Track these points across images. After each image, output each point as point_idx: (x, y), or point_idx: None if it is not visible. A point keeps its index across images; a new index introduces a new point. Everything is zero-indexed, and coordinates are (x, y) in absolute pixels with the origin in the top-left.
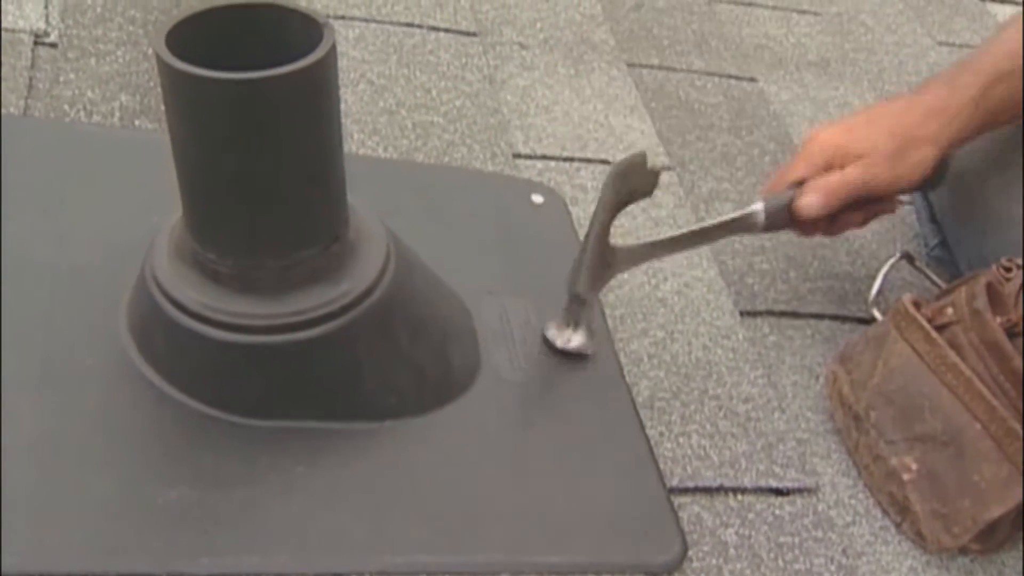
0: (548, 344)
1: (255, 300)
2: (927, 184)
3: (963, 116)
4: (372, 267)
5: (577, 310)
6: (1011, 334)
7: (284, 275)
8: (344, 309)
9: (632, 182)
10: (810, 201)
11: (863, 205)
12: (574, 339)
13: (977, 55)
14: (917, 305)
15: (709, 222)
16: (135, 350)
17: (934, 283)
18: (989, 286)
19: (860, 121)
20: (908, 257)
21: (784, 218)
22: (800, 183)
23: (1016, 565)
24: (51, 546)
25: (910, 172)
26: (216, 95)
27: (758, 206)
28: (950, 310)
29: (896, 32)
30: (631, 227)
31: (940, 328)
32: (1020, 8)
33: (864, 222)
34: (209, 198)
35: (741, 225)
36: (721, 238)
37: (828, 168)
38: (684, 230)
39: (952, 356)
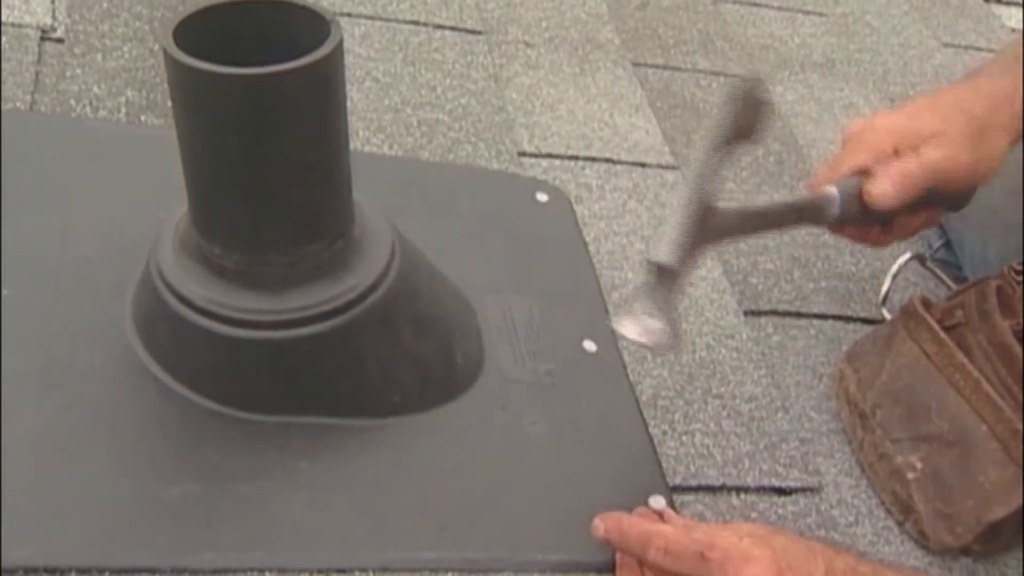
0: (618, 336)
1: (260, 295)
2: (960, 203)
3: (1019, 103)
4: (377, 264)
5: (662, 291)
6: (1020, 338)
7: (289, 271)
8: (349, 305)
9: (749, 112)
10: (885, 189)
11: (930, 203)
12: (656, 330)
13: None
14: (927, 305)
15: (786, 200)
16: (140, 345)
17: (944, 283)
18: (999, 289)
19: (923, 106)
20: (919, 258)
21: (855, 209)
22: (862, 172)
23: (1018, 567)
24: (55, 540)
25: (988, 159)
26: (223, 90)
27: (832, 190)
28: (960, 311)
29: (901, 33)
30: (635, 225)
31: (949, 329)
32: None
33: (920, 228)
34: (215, 193)
35: (817, 212)
36: (796, 224)
37: (896, 153)
38: (763, 205)
39: (960, 357)
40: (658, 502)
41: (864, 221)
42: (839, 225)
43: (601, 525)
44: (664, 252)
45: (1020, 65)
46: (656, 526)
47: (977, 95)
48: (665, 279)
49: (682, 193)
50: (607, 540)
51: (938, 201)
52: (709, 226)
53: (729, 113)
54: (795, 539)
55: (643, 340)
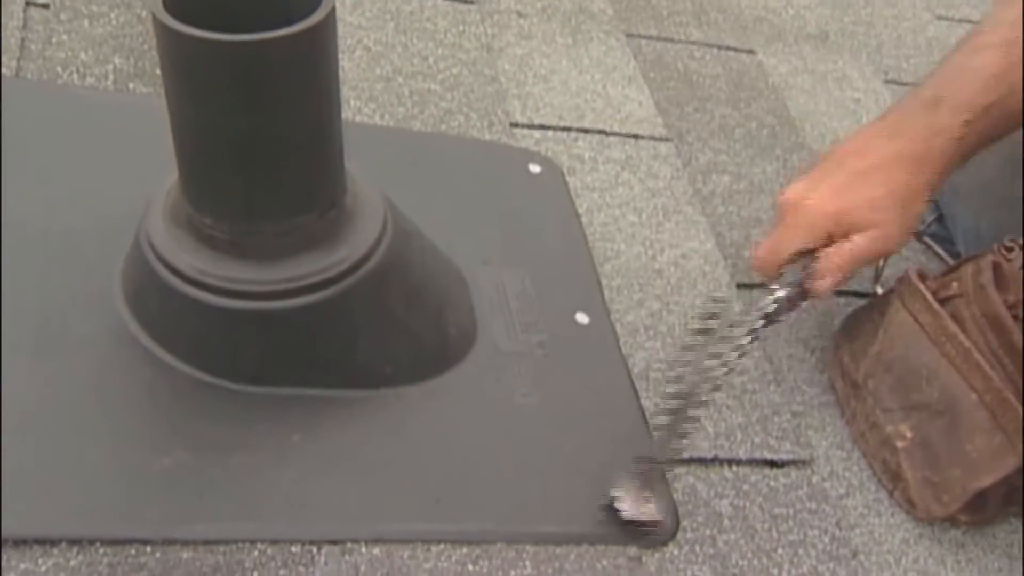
0: (615, 512)
1: (251, 266)
2: None
3: (948, 160)
4: (369, 234)
5: (660, 478)
6: (1014, 316)
7: (281, 241)
8: (341, 276)
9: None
10: (828, 284)
11: None
12: (650, 505)
13: (949, 84)
14: (922, 277)
15: (744, 338)
16: (130, 316)
17: (940, 257)
18: (996, 265)
19: (843, 179)
20: (915, 233)
21: (796, 297)
22: (802, 254)
23: (1007, 538)
24: (46, 511)
25: (911, 230)
26: (213, 57)
27: (779, 294)
28: (955, 284)
29: (896, 6)
30: (627, 197)
31: (943, 301)
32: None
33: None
34: (206, 162)
35: (770, 318)
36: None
37: (831, 238)
38: (728, 360)
39: (952, 327)
40: None
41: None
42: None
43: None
44: (710, 386)
45: (938, 111)
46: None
47: (897, 164)
48: (691, 406)
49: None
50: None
51: None
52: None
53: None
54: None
55: (637, 516)
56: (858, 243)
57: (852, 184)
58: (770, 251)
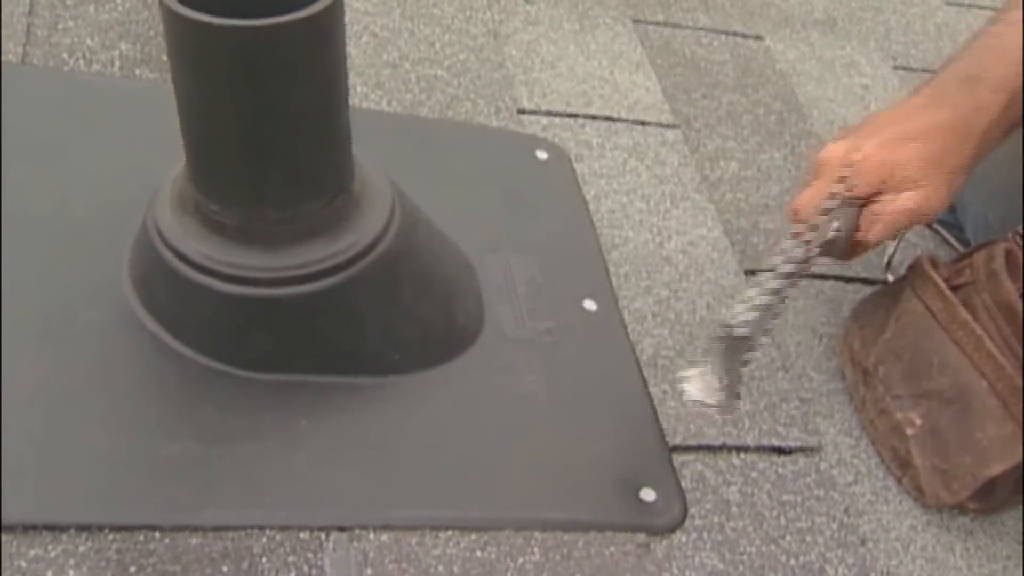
0: (687, 394)
1: (259, 252)
2: None
3: (988, 137)
4: (377, 221)
5: (734, 355)
6: None
7: (288, 227)
8: (349, 262)
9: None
10: (879, 233)
11: None
12: (720, 392)
13: (985, 62)
14: (934, 264)
15: (805, 251)
16: (137, 302)
17: (951, 246)
18: (1009, 252)
19: (891, 139)
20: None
21: (840, 245)
22: (845, 204)
23: (1015, 525)
24: (54, 498)
25: (951, 198)
26: (221, 43)
27: (835, 225)
28: (967, 271)
29: None
30: (635, 184)
31: (955, 288)
32: None
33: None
34: (213, 148)
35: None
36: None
37: (882, 190)
38: (786, 266)
39: (964, 314)
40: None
41: (844, 252)
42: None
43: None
44: (741, 319)
45: (977, 88)
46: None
47: (943, 133)
48: (735, 344)
49: (769, 277)
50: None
51: None
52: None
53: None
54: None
55: (704, 399)
56: (910, 198)
57: (901, 143)
58: (812, 197)
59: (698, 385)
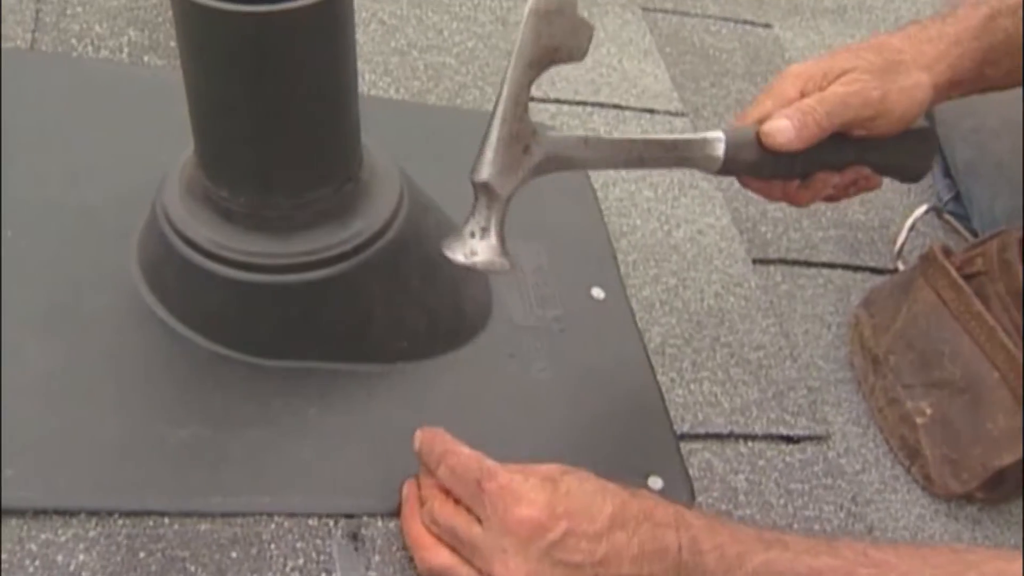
0: (448, 258)
1: (267, 239)
2: (919, 172)
3: (961, 47)
4: (385, 208)
5: (484, 210)
6: None
7: (297, 214)
8: (357, 249)
9: (557, 30)
10: (781, 125)
11: (854, 159)
12: (480, 250)
13: None
14: (947, 253)
15: (656, 136)
16: (146, 288)
17: (961, 235)
18: (1022, 241)
19: (840, 50)
20: (935, 210)
21: (750, 155)
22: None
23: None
24: (65, 483)
25: (902, 98)
26: (230, 29)
27: (718, 133)
28: (980, 260)
29: None
30: (644, 172)
31: (968, 278)
32: None
33: (843, 189)
34: (222, 135)
35: (696, 153)
36: (671, 165)
37: (802, 96)
38: (625, 136)
39: (977, 305)
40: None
41: (772, 170)
42: (744, 175)
43: (419, 436)
44: (482, 171)
45: (957, 9)
46: (460, 447)
47: (901, 35)
48: (488, 199)
49: (494, 112)
50: (417, 451)
51: (865, 157)
52: (529, 143)
53: (540, 32)
54: (588, 480)
55: (469, 262)
56: (825, 90)
57: (839, 52)
58: (741, 115)
59: (461, 251)
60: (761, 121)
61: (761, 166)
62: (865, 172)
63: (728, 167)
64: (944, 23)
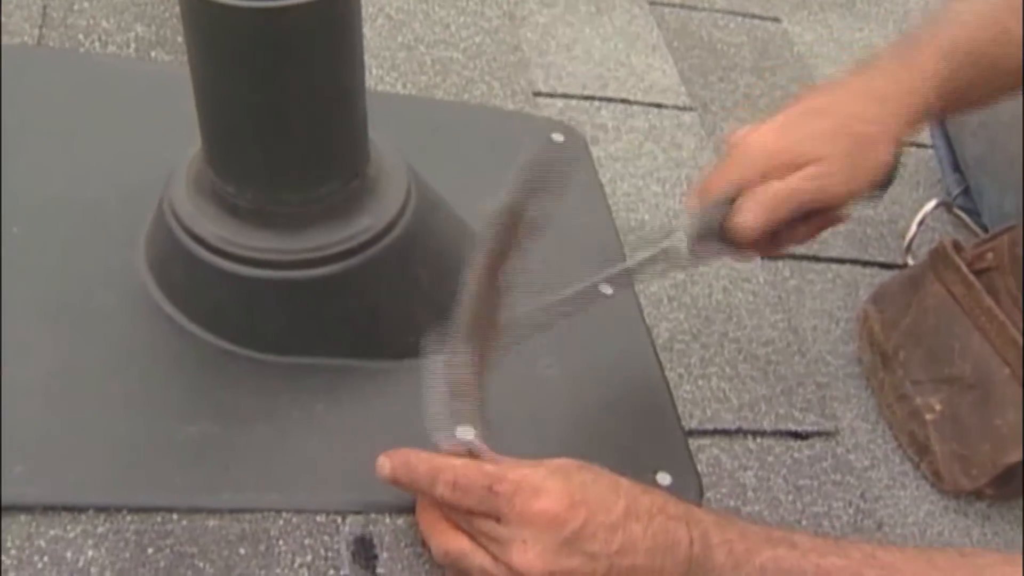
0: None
1: (275, 235)
2: (879, 187)
3: (917, 103)
4: (393, 204)
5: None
6: None
7: (304, 210)
8: (364, 245)
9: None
10: (747, 220)
11: (810, 217)
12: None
13: (934, 26)
14: (957, 248)
15: (612, 270)
16: (153, 285)
17: (971, 230)
18: None
19: (794, 116)
20: (945, 204)
21: (714, 243)
22: (729, 199)
23: None
24: (73, 478)
25: (866, 177)
26: (238, 24)
27: (678, 236)
28: (990, 255)
29: None
30: (652, 167)
31: (978, 273)
32: None
33: (811, 236)
34: (229, 130)
35: (661, 262)
36: (644, 281)
37: (765, 178)
38: (578, 286)
39: (987, 300)
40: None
41: (736, 248)
42: (706, 257)
43: (387, 463)
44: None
45: (916, 49)
46: (445, 459)
47: (858, 98)
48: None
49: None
50: (395, 480)
51: (819, 216)
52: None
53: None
54: (601, 475)
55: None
56: (790, 180)
57: (800, 119)
58: (700, 191)
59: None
60: (724, 199)
61: (730, 247)
62: (831, 216)
63: (696, 258)
64: (901, 73)
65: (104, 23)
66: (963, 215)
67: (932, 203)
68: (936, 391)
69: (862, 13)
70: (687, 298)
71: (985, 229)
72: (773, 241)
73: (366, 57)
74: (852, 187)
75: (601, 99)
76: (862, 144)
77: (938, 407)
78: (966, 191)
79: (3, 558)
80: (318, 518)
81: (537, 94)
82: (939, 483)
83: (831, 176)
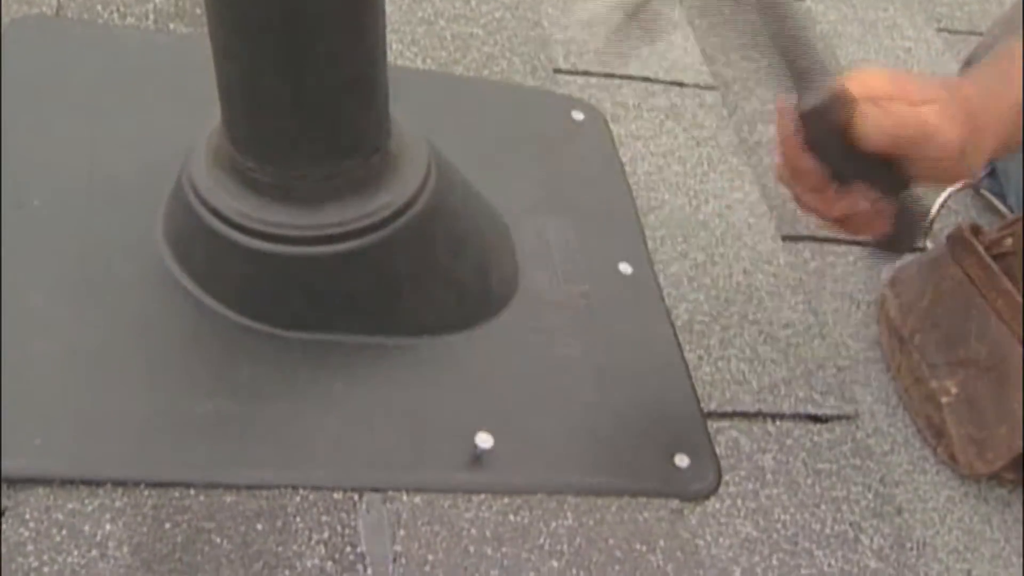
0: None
1: (294, 210)
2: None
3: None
4: (413, 180)
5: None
6: None
7: (324, 185)
8: (384, 221)
9: None
10: (878, 120)
11: (890, 178)
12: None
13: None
14: (975, 231)
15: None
16: (172, 260)
17: (998, 212)
18: None
19: (931, 79)
20: (971, 186)
21: (828, 125)
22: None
23: None
24: (91, 453)
25: (974, 153)
26: None
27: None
28: (1009, 240)
29: None
30: (672, 146)
31: (996, 257)
32: None
33: (866, 223)
34: (250, 105)
35: (805, 77)
36: (782, 52)
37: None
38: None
39: (1005, 283)
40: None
41: (833, 156)
42: (806, 141)
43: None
44: None
45: (1015, 67)
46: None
47: (976, 88)
48: None
49: None
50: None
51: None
52: None
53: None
54: None
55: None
56: (920, 109)
57: (934, 81)
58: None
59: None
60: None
61: (833, 149)
62: (885, 208)
63: (805, 121)
64: (998, 83)
65: None
66: (990, 196)
67: (955, 185)
68: (952, 374)
69: None
70: (707, 279)
71: (1012, 211)
72: (843, 195)
73: (386, 32)
74: (962, 146)
75: (622, 77)
76: (975, 123)
77: (954, 390)
78: (992, 173)
79: (22, 530)
80: (335, 495)
81: (558, 71)
82: (955, 467)
83: (950, 120)
